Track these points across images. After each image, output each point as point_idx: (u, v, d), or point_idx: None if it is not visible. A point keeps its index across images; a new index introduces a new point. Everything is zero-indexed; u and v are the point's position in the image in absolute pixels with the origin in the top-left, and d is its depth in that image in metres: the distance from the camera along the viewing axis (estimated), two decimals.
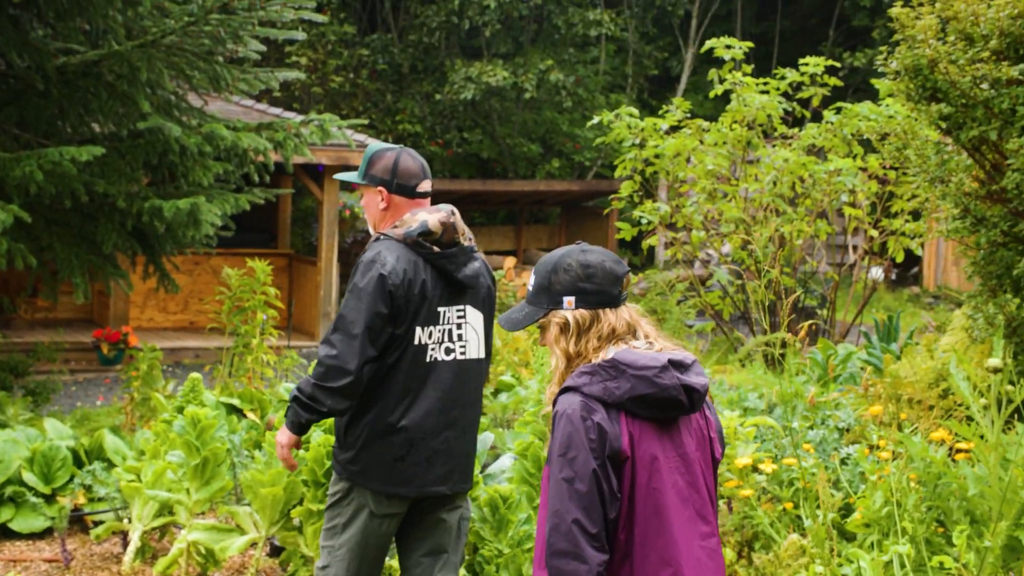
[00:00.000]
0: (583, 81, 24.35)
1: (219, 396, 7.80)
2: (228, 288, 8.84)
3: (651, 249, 24.30)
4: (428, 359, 4.26)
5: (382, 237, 4.30)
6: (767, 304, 10.60)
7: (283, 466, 4.45)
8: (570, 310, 3.07)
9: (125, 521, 6.29)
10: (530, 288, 3.16)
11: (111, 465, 6.80)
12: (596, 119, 11.20)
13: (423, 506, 4.35)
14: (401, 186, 4.39)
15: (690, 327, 11.17)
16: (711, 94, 11.21)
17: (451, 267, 4.30)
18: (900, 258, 11.04)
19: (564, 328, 3.07)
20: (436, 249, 4.27)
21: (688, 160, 10.79)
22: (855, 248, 12.30)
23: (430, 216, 4.28)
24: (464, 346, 4.35)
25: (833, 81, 10.77)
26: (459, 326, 4.35)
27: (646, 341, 3.10)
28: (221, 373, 8.82)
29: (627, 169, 11.26)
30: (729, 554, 5.26)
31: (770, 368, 9.88)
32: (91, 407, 13.52)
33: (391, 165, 4.39)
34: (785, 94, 10.90)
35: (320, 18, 9.68)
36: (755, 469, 5.75)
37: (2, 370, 8.23)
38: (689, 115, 11.09)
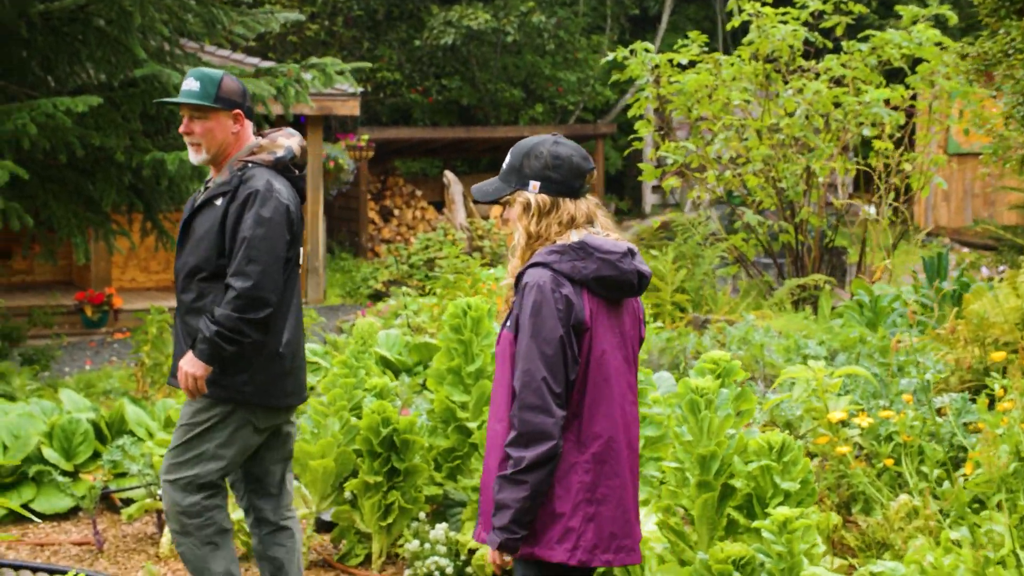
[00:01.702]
0: (563, 23, 23.74)
1: None
2: None
3: (638, 193, 23.84)
4: (295, 274, 4.44)
5: (251, 165, 4.32)
6: (797, 245, 10.19)
7: (190, 397, 4.30)
8: (533, 193, 3.42)
9: (158, 498, 5.81)
10: (504, 167, 3.48)
11: (136, 438, 6.28)
12: (610, 56, 10.66)
13: (285, 414, 4.52)
14: (250, 109, 4.44)
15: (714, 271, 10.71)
16: (727, 26, 10.70)
17: (305, 187, 4.48)
18: (926, 194, 10.62)
19: (526, 208, 3.42)
20: (298, 172, 4.44)
21: (709, 97, 10.29)
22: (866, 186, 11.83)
23: (290, 141, 4.43)
24: (300, 257, 4.50)
25: (859, 8, 10.28)
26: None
27: (604, 231, 3.46)
28: None
29: (641, 108, 10.76)
30: (834, 517, 4.84)
31: (800, 311, 9.47)
32: (80, 371, 13.01)
33: (240, 88, 4.40)
34: (805, 23, 10.40)
35: None
36: (843, 424, 5.33)
37: None
38: (706, 49, 10.58)
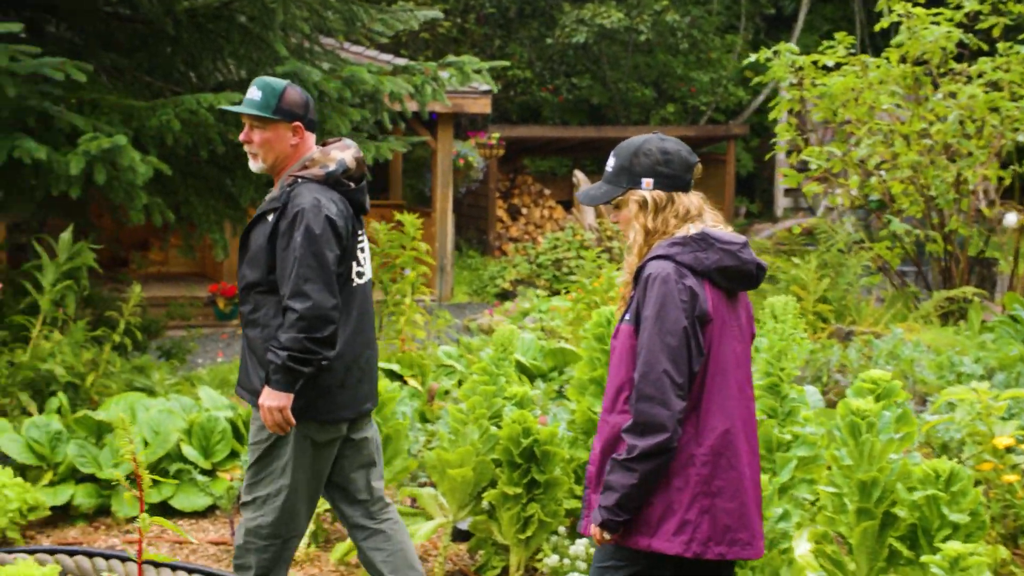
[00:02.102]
0: (697, 22, 23.39)
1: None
2: (375, 243, 8.26)
3: (769, 196, 23.39)
4: (351, 287, 4.37)
5: (300, 180, 4.25)
6: (944, 255, 9.81)
7: (279, 431, 4.21)
8: (648, 190, 3.44)
9: None
10: (609, 169, 3.50)
11: None
12: (752, 57, 10.39)
13: (352, 426, 4.45)
14: (312, 121, 4.36)
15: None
16: (876, 27, 10.35)
17: (363, 199, 4.41)
18: None
19: (643, 205, 3.43)
20: (353, 185, 4.35)
21: (855, 100, 9.95)
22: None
23: (344, 154, 4.33)
24: (367, 268, 4.49)
25: (1018, 9, 9.85)
26: (362, 249, 4.47)
27: (714, 222, 3.48)
28: None
29: (783, 111, 10.47)
30: (1001, 551, 4.57)
31: (948, 325, 9.10)
32: (212, 363, 13.16)
33: (303, 100, 4.33)
34: (959, 25, 10.00)
35: None
36: (1008, 450, 5.04)
37: (137, 329, 7.74)
38: (852, 50, 10.24)
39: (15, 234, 10.25)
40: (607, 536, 3.39)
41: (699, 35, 23.34)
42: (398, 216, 8.33)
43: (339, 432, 4.36)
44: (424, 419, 6.97)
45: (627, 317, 3.41)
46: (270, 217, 4.24)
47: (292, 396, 4.12)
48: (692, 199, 3.47)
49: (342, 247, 4.24)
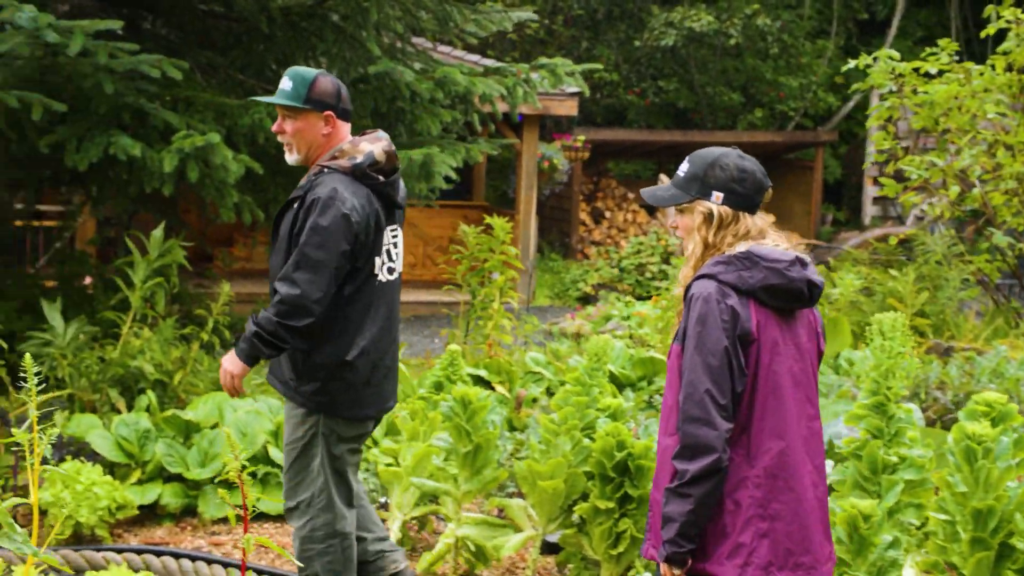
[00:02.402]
0: (788, 26, 23.05)
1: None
2: (464, 246, 8.17)
3: (857, 203, 22.97)
4: (377, 283, 4.31)
5: (327, 170, 4.20)
6: None
7: (227, 391, 4.27)
8: (716, 204, 3.35)
9: (379, 505, 5.69)
10: (681, 174, 3.42)
11: None
12: (851, 63, 10.15)
13: (367, 427, 4.43)
14: (345, 111, 4.33)
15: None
16: (982, 34, 10.06)
17: (394, 193, 4.34)
18: None
19: (708, 218, 3.35)
20: (382, 179, 4.26)
21: (958, 109, 9.67)
22: None
23: (374, 146, 4.26)
24: (397, 263, 4.42)
25: None
26: (395, 245, 4.40)
27: (774, 243, 3.38)
28: (456, 339, 8.16)
29: (882, 118, 10.22)
30: None
31: None
32: None
33: (334, 89, 4.29)
34: None
35: None
36: None
37: (225, 328, 7.74)
38: (955, 58, 9.96)
39: (105, 228, 10.31)
40: (676, 572, 3.31)
41: (789, 40, 22.99)
42: (487, 219, 8.23)
43: (365, 428, 4.38)
44: (512, 427, 6.86)
45: (677, 338, 3.39)
46: (295, 205, 4.22)
47: (247, 367, 4.16)
48: (757, 221, 3.41)
49: (356, 243, 4.17)
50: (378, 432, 6.39)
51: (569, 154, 18.93)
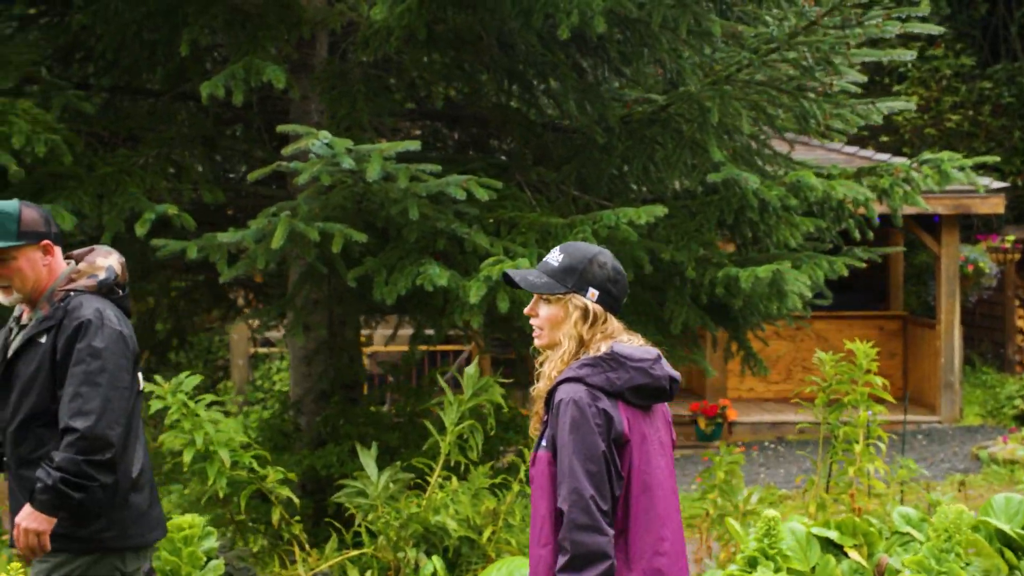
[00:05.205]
0: None
1: (811, 524, 5.92)
2: (822, 377, 6.97)
3: None
4: (139, 395, 4.15)
5: (73, 293, 4.05)
6: None
7: (29, 555, 3.87)
8: (592, 301, 3.37)
9: None
10: (555, 263, 3.42)
11: None
12: None
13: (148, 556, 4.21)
14: (58, 235, 4.17)
15: None
16: None
17: (129, 305, 4.24)
18: None
19: (585, 315, 3.36)
20: (121, 293, 4.18)
21: None
22: None
23: (109, 259, 4.17)
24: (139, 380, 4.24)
25: None
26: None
27: (629, 340, 3.42)
28: (814, 486, 6.92)
29: None
30: None
31: None
32: (684, 491, 12.24)
33: (43, 216, 4.11)
34: None
35: (936, 29, 7.52)
36: None
37: None
38: None
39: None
40: None
41: None
42: (848, 344, 6.98)
43: (147, 559, 4.17)
44: None
45: (543, 444, 3.32)
46: (43, 339, 3.97)
47: (54, 521, 3.86)
48: (617, 324, 3.42)
49: (131, 360, 4.05)
50: None
51: (997, 256, 17.02)
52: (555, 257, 3.41)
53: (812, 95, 7.86)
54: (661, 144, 7.84)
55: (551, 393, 3.32)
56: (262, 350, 16.07)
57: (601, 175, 7.97)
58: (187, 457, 5.64)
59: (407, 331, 10.80)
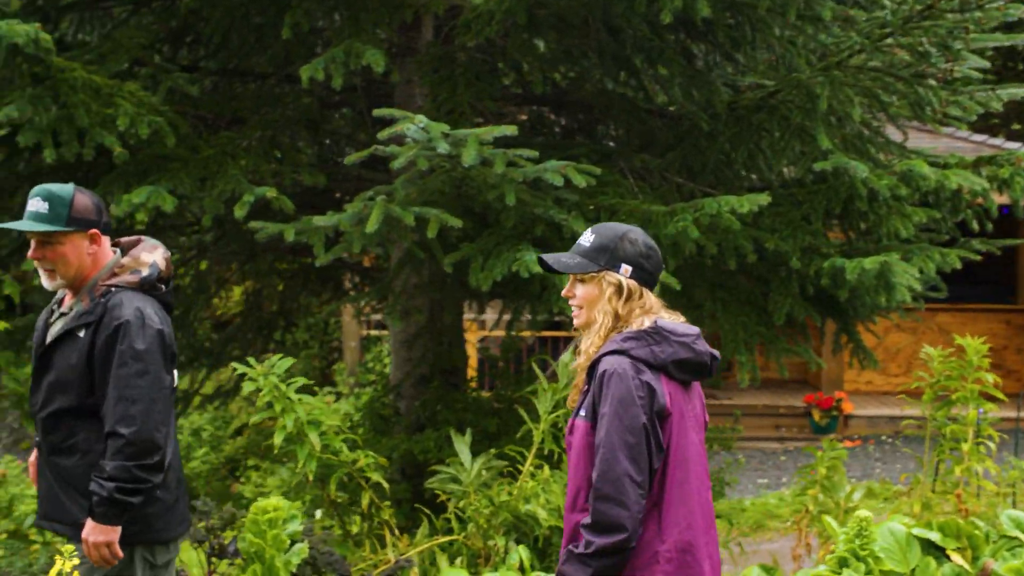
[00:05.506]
0: None
1: (912, 525, 5.71)
2: (929, 372, 6.73)
3: None
4: (174, 391, 4.13)
5: (115, 289, 4.02)
6: None
7: (104, 566, 3.90)
8: (624, 277, 3.41)
9: None
10: (586, 243, 3.46)
11: None
12: None
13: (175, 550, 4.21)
14: (108, 225, 4.13)
15: None
16: None
17: (172, 301, 4.22)
18: None
19: (619, 290, 3.40)
20: (164, 288, 4.15)
21: None
22: None
23: (154, 255, 4.14)
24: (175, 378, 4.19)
25: None
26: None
27: (671, 318, 3.45)
28: (920, 485, 6.68)
29: None
30: None
31: None
32: (788, 486, 12.04)
33: (95, 204, 4.08)
34: None
35: None
36: None
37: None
38: None
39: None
40: None
41: None
42: (958, 340, 6.72)
43: (176, 551, 4.18)
44: None
45: (582, 413, 3.36)
46: (81, 333, 3.94)
47: (119, 529, 3.88)
48: (655, 299, 3.46)
49: (173, 358, 4.06)
50: None
51: None
52: (587, 238, 3.46)
53: (932, 82, 7.58)
54: (768, 131, 7.64)
55: (594, 365, 3.35)
56: (374, 332, 16.18)
57: (706, 162, 7.80)
58: (278, 439, 5.66)
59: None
